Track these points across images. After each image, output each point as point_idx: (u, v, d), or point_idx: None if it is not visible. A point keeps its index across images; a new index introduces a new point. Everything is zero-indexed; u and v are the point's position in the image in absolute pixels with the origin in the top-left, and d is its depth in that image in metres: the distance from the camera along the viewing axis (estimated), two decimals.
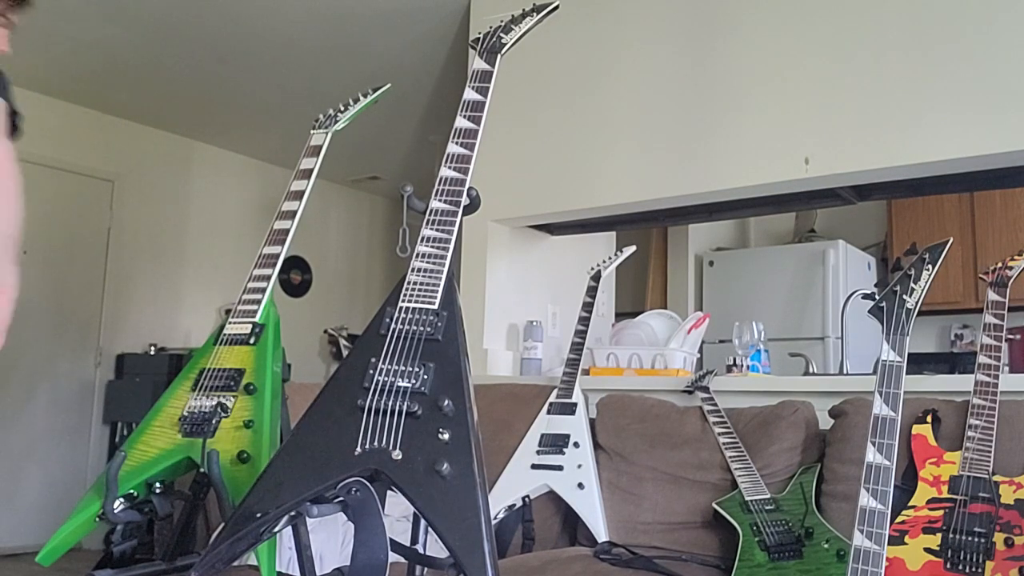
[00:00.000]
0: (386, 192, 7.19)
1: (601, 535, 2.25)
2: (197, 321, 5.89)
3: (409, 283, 1.27)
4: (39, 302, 5.15)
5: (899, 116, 2.59)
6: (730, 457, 2.20)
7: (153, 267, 5.74)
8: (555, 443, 2.39)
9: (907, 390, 2.31)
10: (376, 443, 1.12)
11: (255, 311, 1.69)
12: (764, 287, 4.62)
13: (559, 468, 2.34)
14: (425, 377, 1.17)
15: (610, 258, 2.88)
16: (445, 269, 1.26)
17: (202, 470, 1.46)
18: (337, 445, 1.14)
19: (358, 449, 1.13)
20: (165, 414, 1.59)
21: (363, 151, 5.91)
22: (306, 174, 1.84)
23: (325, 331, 6.72)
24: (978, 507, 1.81)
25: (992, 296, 2.04)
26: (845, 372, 3.15)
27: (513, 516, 2.35)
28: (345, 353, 6.16)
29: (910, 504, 1.89)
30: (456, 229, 1.30)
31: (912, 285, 1.53)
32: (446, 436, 1.11)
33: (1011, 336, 2.93)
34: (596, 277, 2.78)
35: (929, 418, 2.03)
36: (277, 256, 1.75)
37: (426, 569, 1.24)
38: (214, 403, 1.55)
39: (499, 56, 1.52)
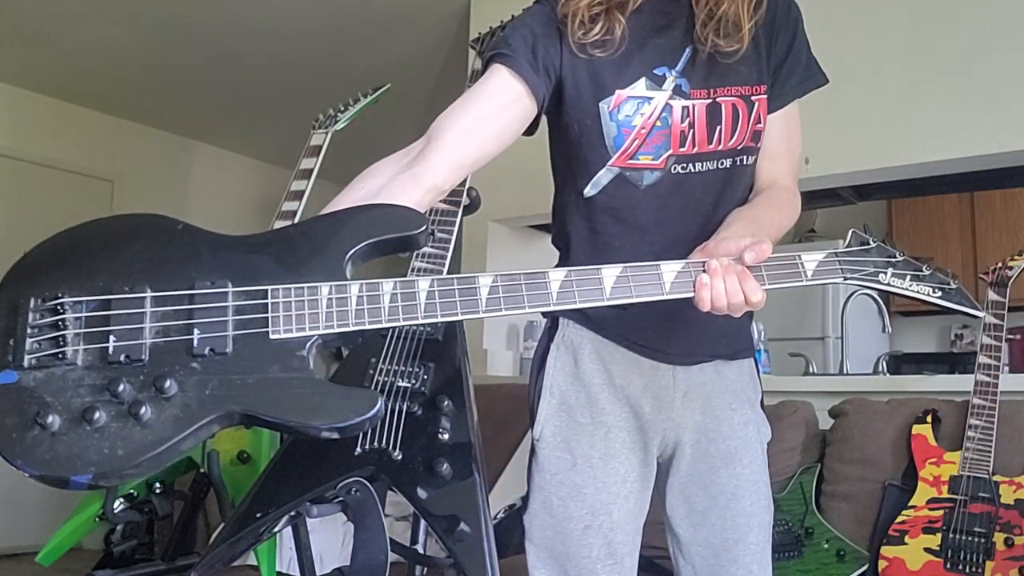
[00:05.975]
0: None
1: None
2: None
3: None
4: None
5: (899, 116, 2.58)
6: None
7: None
8: None
9: (907, 390, 2.32)
10: (376, 443, 1.13)
11: None
12: None
13: None
14: (425, 377, 1.17)
15: None
16: (445, 269, 1.26)
17: (202, 470, 1.46)
18: (337, 445, 1.14)
19: (358, 449, 1.13)
20: None
21: (363, 151, 5.91)
22: (306, 174, 1.84)
23: None
24: (978, 507, 1.81)
25: (992, 296, 2.04)
26: (845, 372, 3.15)
27: (513, 516, 2.35)
28: (345, 353, 6.16)
29: (910, 504, 1.89)
30: (456, 229, 1.30)
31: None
32: (446, 436, 1.11)
33: (1011, 336, 2.93)
34: None
35: (929, 418, 2.03)
36: None
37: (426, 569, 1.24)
38: None
39: None
